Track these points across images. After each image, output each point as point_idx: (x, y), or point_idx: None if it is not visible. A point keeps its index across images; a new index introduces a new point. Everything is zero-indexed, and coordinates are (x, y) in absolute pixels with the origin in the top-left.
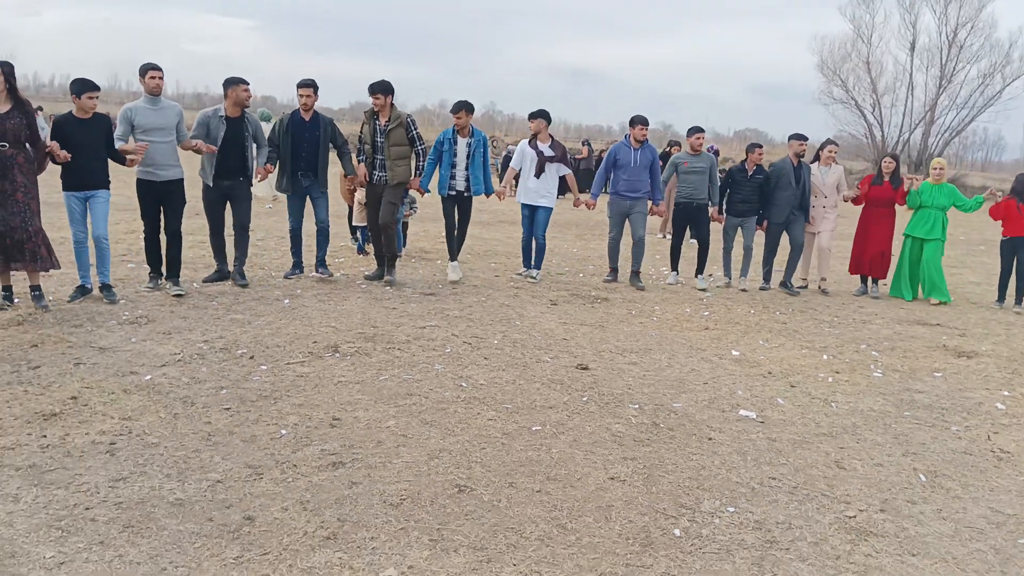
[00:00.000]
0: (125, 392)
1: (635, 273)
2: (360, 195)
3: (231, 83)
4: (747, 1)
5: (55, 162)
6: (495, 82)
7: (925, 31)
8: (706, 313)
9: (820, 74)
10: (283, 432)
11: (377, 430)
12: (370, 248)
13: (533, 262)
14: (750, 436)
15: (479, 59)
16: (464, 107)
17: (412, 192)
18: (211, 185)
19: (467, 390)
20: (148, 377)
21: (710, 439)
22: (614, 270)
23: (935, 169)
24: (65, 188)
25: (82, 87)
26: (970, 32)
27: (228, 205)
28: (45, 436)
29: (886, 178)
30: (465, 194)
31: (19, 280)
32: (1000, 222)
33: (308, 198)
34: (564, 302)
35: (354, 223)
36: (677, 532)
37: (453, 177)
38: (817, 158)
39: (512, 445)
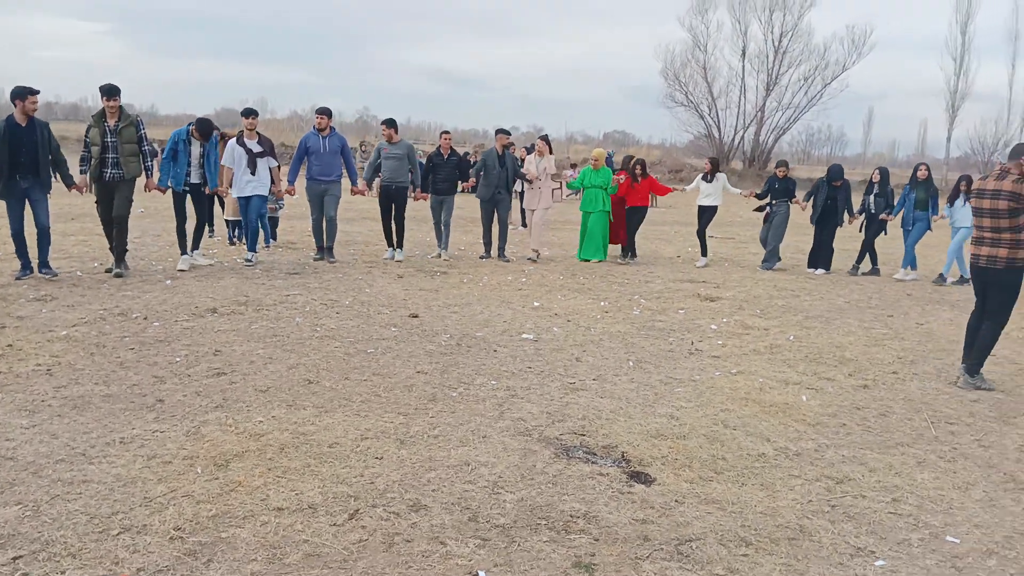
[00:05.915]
0: (48, 341)
1: (328, 249)
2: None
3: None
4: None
5: None
6: (368, 86)
7: (754, 39)
8: (524, 279)
9: (663, 79)
10: (177, 359)
11: (249, 356)
12: (238, 241)
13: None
14: (524, 348)
15: (352, 63)
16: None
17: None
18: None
19: (320, 332)
20: (64, 332)
21: (495, 351)
22: (320, 248)
23: (594, 160)
24: None
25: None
26: (791, 39)
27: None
28: None
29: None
30: (202, 188)
31: None
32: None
33: (27, 200)
34: (409, 276)
35: (226, 217)
36: (454, 394)
37: (189, 174)
38: (532, 149)
39: (351, 360)
